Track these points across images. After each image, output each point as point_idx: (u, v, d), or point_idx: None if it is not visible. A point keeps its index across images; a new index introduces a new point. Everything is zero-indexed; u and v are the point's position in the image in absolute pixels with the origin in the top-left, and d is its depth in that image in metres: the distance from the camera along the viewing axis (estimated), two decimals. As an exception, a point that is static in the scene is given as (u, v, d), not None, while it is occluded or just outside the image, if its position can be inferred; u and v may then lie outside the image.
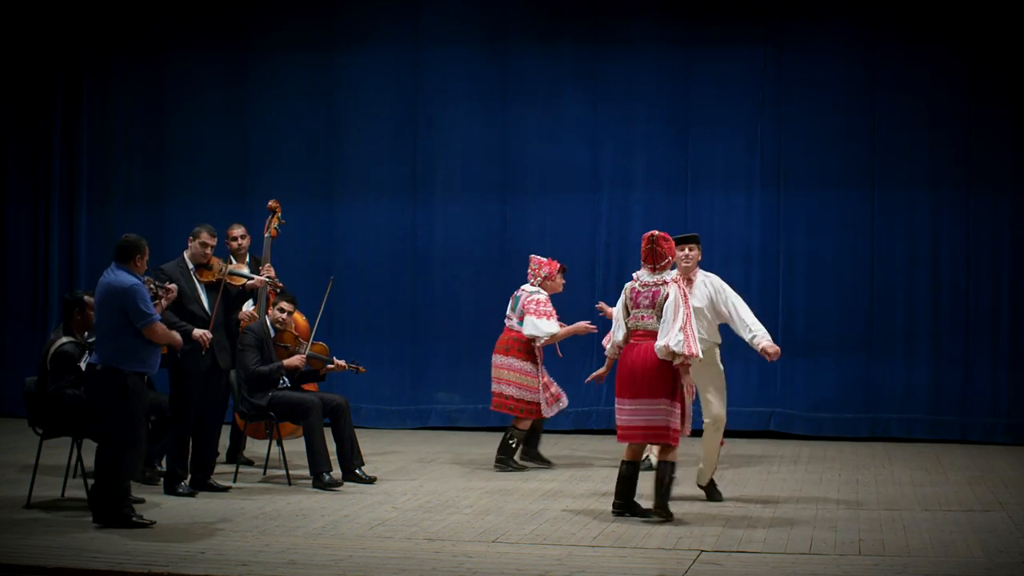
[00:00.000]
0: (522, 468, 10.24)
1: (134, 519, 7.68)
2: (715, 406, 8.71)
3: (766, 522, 7.98)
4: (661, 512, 7.90)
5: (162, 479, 8.97)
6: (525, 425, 10.26)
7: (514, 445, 10.25)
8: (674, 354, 7.78)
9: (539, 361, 10.23)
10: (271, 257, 10.11)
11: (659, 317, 7.87)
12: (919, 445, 11.68)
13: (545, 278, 10.36)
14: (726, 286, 8.85)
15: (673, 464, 7.95)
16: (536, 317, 10.17)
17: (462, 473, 10.01)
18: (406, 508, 8.43)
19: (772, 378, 12.20)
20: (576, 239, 12.57)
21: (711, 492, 8.79)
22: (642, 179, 12.58)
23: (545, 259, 10.43)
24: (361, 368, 10.08)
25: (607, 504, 8.57)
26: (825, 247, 12.21)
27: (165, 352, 8.50)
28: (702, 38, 12.41)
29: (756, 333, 8.64)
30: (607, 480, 9.68)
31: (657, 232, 8.10)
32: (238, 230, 10.29)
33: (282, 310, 9.63)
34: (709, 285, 8.77)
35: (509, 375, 10.24)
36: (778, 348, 8.62)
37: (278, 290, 9.75)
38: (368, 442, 10.57)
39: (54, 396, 8.36)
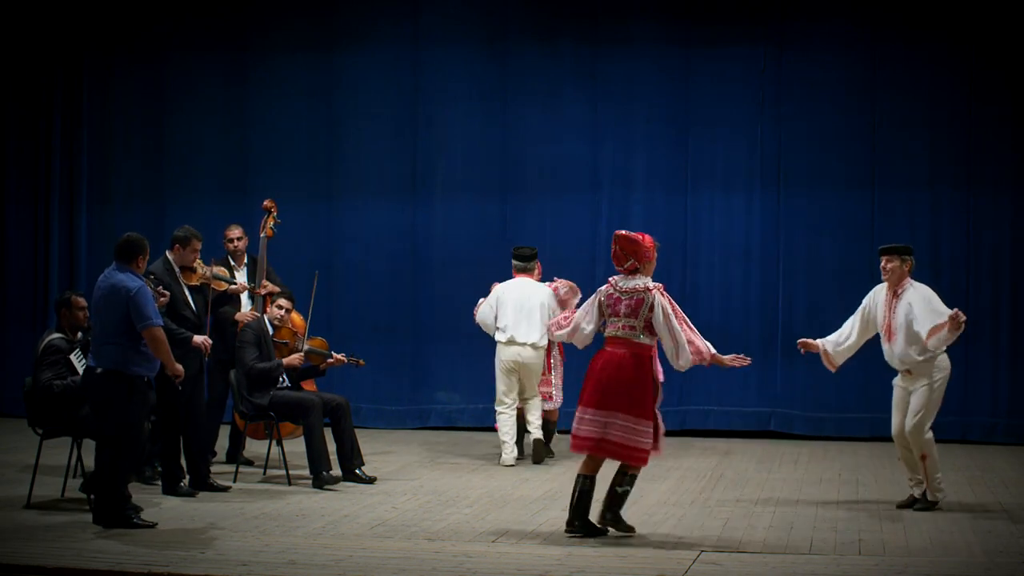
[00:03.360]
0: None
1: (136, 520, 7.68)
2: (911, 421, 8.37)
3: (766, 522, 7.98)
4: (622, 523, 7.53)
5: (161, 479, 8.97)
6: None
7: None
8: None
9: (549, 359, 10.76)
10: (267, 257, 10.12)
11: (643, 328, 7.42)
12: (919, 445, 11.66)
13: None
14: (920, 299, 8.33)
15: (635, 477, 7.55)
16: None
17: (462, 473, 10.01)
18: (406, 508, 8.43)
19: (772, 378, 12.21)
20: (576, 239, 12.58)
21: (924, 503, 8.42)
22: (642, 179, 12.58)
23: None
24: (361, 361, 10.13)
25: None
26: (825, 247, 12.21)
27: None
28: (702, 38, 12.42)
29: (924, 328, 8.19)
30: (607, 480, 9.67)
31: (623, 232, 7.60)
32: (235, 231, 10.28)
33: (280, 307, 9.66)
34: (909, 300, 8.36)
35: None
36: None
37: (264, 292, 9.86)
38: (368, 442, 10.57)
39: (43, 388, 8.38)
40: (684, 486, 9.30)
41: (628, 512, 8.31)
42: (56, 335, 8.62)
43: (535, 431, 10.49)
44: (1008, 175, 11.93)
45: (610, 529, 7.55)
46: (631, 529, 7.56)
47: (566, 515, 8.16)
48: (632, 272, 7.53)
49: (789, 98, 12.25)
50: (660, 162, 12.54)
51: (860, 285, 12.06)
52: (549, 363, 10.74)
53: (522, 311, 10.46)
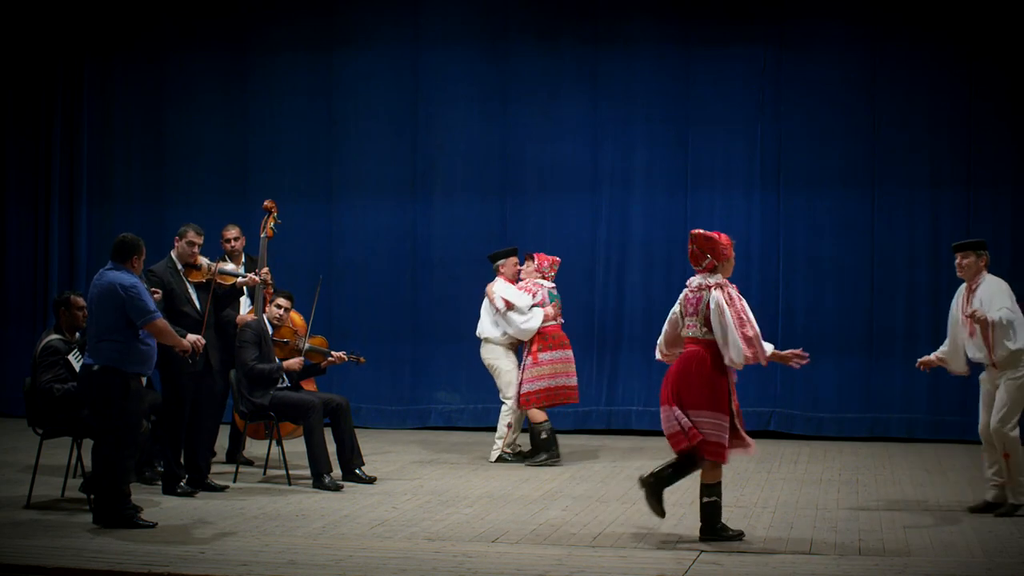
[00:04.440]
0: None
1: (136, 520, 7.68)
2: (995, 416, 8.20)
3: (766, 522, 7.98)
4: (723, 534, 7.42)
5: (161, 479, 8.97)
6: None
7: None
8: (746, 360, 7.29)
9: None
10: (267, 257, 10.11)
11: (703, 325, 7.36)
12: (919, 445, 11.68)
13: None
14: (987, 292, 8.25)
15: (714, 485, 7.34)
16: None
17: (462, 473, 10.01)
18: (406, 508, 8.43)
19: (772, 378, 12.19)
20: (576, 239, 12.57)
21: (1006, 508, 8.21)
22: (642, 179, 12.57)
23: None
24: (361, 358, 10.14)
25: (607, 504, 8.58)
26: (825, 247, 12.20)
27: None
28: (702, 38, 12.41)
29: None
30: (607, 480, 9.69)
31: (699, 231, 7.50)
32: (232, 231, 10.28)
33: (279, 306, 9.66)
34: (980, 295, 8.27)
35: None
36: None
37: (272, 288, 9.81)
38: (368, 442, 10.57)
39: (43, 390, 8.38)
40: (684, 486, 9.26)
41: (629, 512, 8.33)
42: (54, 336, 8.61)
43: (497, 444, 10.51)
44: (1008, 174, 11.92)
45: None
46: (740, 533, 7.45)
47: (565, 515, 8.18)
48: (711, 271, 7.47)
49: (789, 98, 12.24)
50: (660, 162, 12.53)
51: (860, 285, 12.16)
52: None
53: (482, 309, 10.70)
